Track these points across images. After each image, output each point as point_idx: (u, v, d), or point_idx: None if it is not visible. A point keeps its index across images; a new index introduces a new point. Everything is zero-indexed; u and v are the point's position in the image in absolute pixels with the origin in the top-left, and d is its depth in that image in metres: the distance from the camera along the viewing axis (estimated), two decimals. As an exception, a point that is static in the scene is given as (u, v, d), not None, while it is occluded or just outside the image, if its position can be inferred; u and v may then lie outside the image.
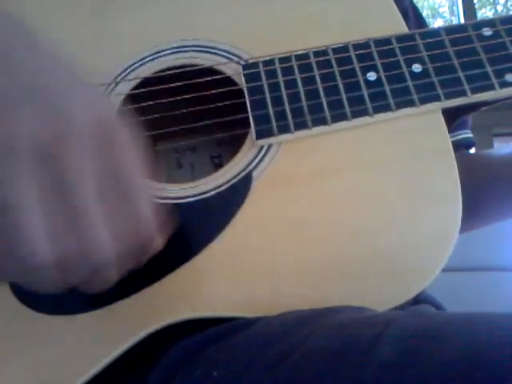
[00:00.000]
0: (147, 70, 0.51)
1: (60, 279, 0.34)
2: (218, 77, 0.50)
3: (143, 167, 0.36)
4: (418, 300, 0.60)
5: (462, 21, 2.03)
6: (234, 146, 0.49)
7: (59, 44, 0.46)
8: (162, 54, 0.52)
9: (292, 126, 0.46)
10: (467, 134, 0.68)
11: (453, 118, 0.51)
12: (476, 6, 2.09)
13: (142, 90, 0.50)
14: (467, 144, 0.68)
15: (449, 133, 0.47)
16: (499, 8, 2.61)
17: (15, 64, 0.34)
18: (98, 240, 0.33)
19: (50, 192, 0.32)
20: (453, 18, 2.40)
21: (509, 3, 2.63)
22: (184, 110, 0.50)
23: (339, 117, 0.46)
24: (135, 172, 0.35)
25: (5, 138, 0.31)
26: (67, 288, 0.35)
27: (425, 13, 2.32)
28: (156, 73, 0.51)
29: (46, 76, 0.34)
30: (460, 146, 0.67)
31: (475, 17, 2.06)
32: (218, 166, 0.57)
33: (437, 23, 2.46)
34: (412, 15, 0.69)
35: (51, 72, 0.35)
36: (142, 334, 0.40)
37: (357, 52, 0.49)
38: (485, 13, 2.52)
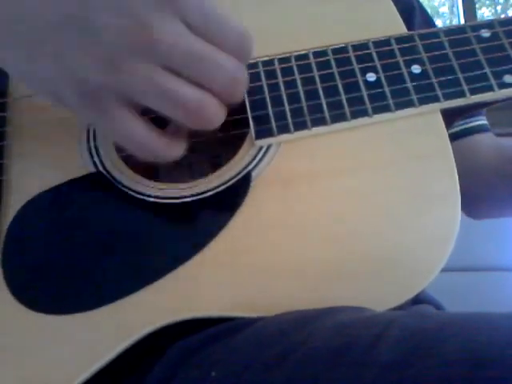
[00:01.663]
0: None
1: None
2: None
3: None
4: (417, 300, 0.60)
5: (462, 21, 2.03)
6: (232, 146, 0.49)
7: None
8: None
9: (291, 126, 0.46)
10: (482, 121, 0.69)
11: (452, 118, 0.51)
12: (476, 5, 2.09)
13: None
14: (482, 130, 0.69)
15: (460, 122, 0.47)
16: (499, 8, 2.61)
17: None
18: (233, 72, 0.39)
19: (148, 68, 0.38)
20: (453, 17, 2.40)
21: (508, 3, 2.62)
22: None
23: (339, 117, 0.46)
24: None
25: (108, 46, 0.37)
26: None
27: (425, 13, 2.32)
28: None
29: None
30: (475, 132, 0.68)
31: (475, 17, 2.06)
32: (217, 165, 0.56)
33: (437, 23, 2.46)
34: (418, 11, 0.69)
35: None
36: (141, 333, 0.40)
37: (356, 53, 0.49)
38: (484, 13, 2.52)
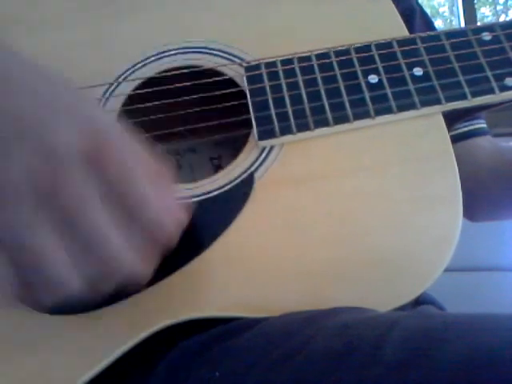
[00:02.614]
0: (149, 71, 0.51)
1: (93, 293, 0.34)
2: (220, 78, 0.50)
3: (153, 170, 0.35)
4: (419, 301, 0.60)
5: (462, 21, 2.03)
6: (233, 147, 0.49)
7: (59, 46, 0.46)
8: (163, 55, 0.52)
9: (294, 128, 0.47)
10: (481, 124, 0.69)
11: (453, 120, 0.51)
12: (476, 5, 2.08)
13: (143, 90, 0.50)
14: (481, 134, 0.69)
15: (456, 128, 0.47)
16: (499, 8, 2.61)
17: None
18: (121, 257, 0.34)
19: (62, 226, 0.32)
20: (453, 17, 2.40)
21: (509, 3, 2.62)
22: (185, 111, 0.50)
23: (341, 119, 0.47)
24: (141, 182, 0.34)
25: (2, 183, 0.31)
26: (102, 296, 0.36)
27: (425, 13, 2.32)
28: (158, 74, 0.51)
29: (23, 101, 0.33)
30: (474, 135, 0.68)
31: (475, 17, 2.05)
32: (218, 167, 0.57)
33: (437, 23, 2.46)
34: (418, 14, 0.69)
35: (27, 95, 0.33)
36: (144, 334, 0.40)
37: (358, 55, 0.49)
38: (485, 13, 2.51)
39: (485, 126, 0.71)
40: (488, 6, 2.58)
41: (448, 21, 2.46)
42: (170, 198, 0.37)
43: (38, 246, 0.31)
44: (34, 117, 0.32)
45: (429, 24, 0.71)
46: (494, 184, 0.46)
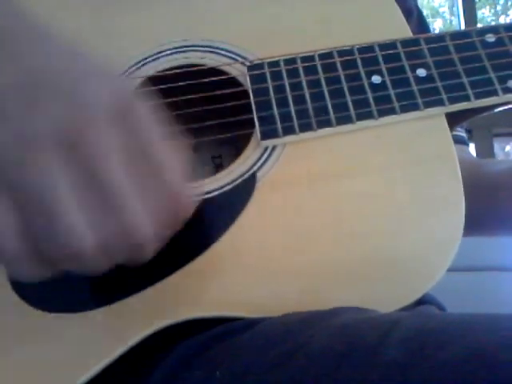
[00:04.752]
0: (151, 69, 0.51)
1: (103, 260, 0.34)
2: (223, 77, 0.50)
3: (167, 140, 0.36)
4: (420, 301, 0.60)
5: (462, 21, 2.03)
6: (235, 146, 0.49)
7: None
8: (165, 53, 0.52)
9: (297, 128, 0.47)
10: (459, 132, 0.69)
11: (455, 121, 0.51)
12: (476, 6, 2.09)
13: (144, 89, 0.50)
14: (459, 141, 0.68)
15: None
16: (499, 8, 2.61)
17: (25, 56, 0.34)
18: (136, 219, 0.34)
19: (83, 180, 0.32)
20: (452, 18, 2.40)
21: (508, 3, 2.63)
22: (187, 110, 0.49)
23: (344, 119, 0.47)
24: (161, 145, 0.35)
25: (29, 136, 0.32)
26: (110, 267, 0.36)
27: (425, 13, 2.31)
28: (159, 72, 0.51)
29: (58, 64, 0.34)
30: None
31: (475, 17, 2.06)
32: (219, 166, 0.56)
33: (437, 23, 2.46)
34: (415, 17, 0.69)
35: (63, 59, 0.35)
36: (144, 333, 0.40)
37: (362, 55, 0.49)
38: (485, 13, 2.52)
39: (463, 134, 0.70)
40: (488, 7, 2.58)
41: (448, 21, 2.46)
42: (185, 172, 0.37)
43: (57, 196, 0.32)
44: (67, 75, 0.34)
45: (424, 28, 0.71)
46: (471, 198, 0.45)
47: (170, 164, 0.35)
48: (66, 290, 0.42)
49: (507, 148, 2.20)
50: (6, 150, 0.32)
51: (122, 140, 0.33)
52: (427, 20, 0.76)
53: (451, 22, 2.41)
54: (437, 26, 2.44)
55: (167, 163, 0.35)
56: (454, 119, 0.48)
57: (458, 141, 0.67)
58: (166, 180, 0.35)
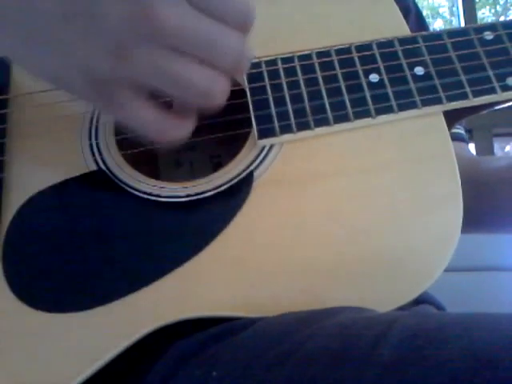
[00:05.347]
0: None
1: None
2: None
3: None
4: (419, 300, 0.60)
5: (462, 21, 2.04)
6: (233, 145, 0.48)
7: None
8: None
9: (294, 127, 0.46)
10: (458, 130, 0.69)
11: (454, 120, 0.51)
12: (476, 6, 2.09)
13: None
14: (458, 139, 0.68)
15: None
16: (499, 8, 2.61)
17: None
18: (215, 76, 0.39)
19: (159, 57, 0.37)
20: (453, 18, 2.40)
21: (508, 3, 2.63)
22: None
23: (341, 118, 0.47)
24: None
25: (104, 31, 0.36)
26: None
27: (425, 13, 2.33)
28: None
29: None
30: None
31: (475, 17, 2.06)
32: (217, 165, 0.56)
33: (437, 23, 2.47)
34: (413, 14, 0.69)
35: None
36: (141, 333, 0.40)
37: (359, 54, 0.49)
38: (485, 13, 2.52)
39: (462, 131, 0.70)
40: (488, 7, 2.58)
41: (448, 21, 2.46)
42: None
43: (175, 70, 0.37)
44: None
45: (422, 25, 0.71)
46: (470, 196, 0.45)
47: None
48: (63, 290, 0.43)
49: (507, 148, 2.20)
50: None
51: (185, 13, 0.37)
52: (427, 20, 0.76)
53: (451, 22, 2.41)
54: (437, 26, 2.45)
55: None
56: (452, 117, 0.48)
57: (456, 138, 0.67)
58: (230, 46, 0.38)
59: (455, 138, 0.68)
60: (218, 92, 0.39)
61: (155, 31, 0.36)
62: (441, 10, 2.53)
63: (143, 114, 0.39)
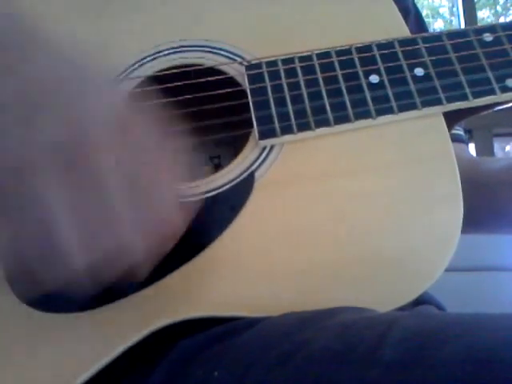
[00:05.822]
0: (149, 69, 0.51)
1: (96, 279, 0.35)
2: (221, 77, 0.50)
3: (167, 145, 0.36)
4: (419, 301, 0.60)
5: (462, 21, 2.03)
6: (233, 146, 0.49)
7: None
8: (163, 53, 0.52)
9: (295, 127, 0.47)
10: (458, 131, 0.69)
11: (453, 121, 0.51)
12: (476, 6, 2.09)
13: (143, 88, 0.50)
14: (458, 140, 0.68)
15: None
16: (499, 8, 2.61)
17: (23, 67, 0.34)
18: (130, 235, 0.34)
19: (80, 194, 0.33)
20: (453, 18, 2.40)
21: (508, 3, 2.63)
22: (185, 110, 0.49)
23: (342, 119, 0.47)
24: (157, 166, 0.36)
25: (28, 150, 0.32)
26: (102, 286, 0.36)
27: (425, 13, 2.33)
28: (158, 72, 0.51)
29: (57, 75, 0.35)
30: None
31: (475, 17, 2.06)
32: (217, 166, 0.56)
33: (437, 24, 2.46)
34: (413, 15, 0.69)
35: (62, 69, 0.35)
36: (143, 333, 0.40)
37: (360, 55, 0.49)
38: (485, 13, 2.52)
39: (461, 133, 0.70)
40: (488, 7, 2.58)
41: (448, 21, 2.46)
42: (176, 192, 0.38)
43: (55, 208, 0.32)
44: (67, 87, 0.34)
45: (422, 26, 0.71)
46: (470, 196, 0.45)
47: (160, 191, 0.36)
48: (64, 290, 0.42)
49: (507, 148, 2.20)
50: (5, 162, 0.32)
51: (120, 153, 0.34)
52: (427, 20, 0.76)
53: (451, 22, 2.41)
54: (437, 26, 2.44)
55: (158, 190, 0.36)
56: (452, 118, 0.48)
57: (456, 139, 0.67)
58: (159, 198, 0.36)
59: (455, 139, 0.68)
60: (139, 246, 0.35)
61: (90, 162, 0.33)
62: (441, 10, 2.52)
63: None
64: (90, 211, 0.33)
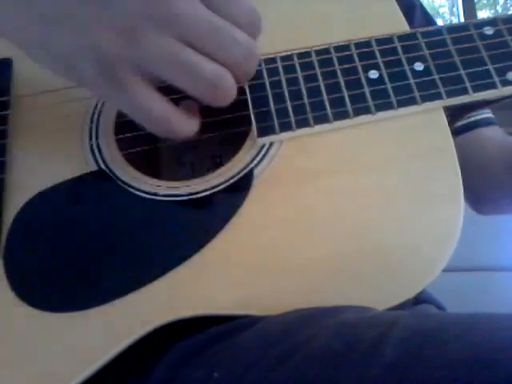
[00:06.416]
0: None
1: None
2: None
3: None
4: (419, 300, 0.60)
5: (462, 21, 2.04)
6: (235, 145, 0.48)
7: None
8: None
9: (294, 124, 0.46)
10: (487, 114, 0.69)
11: (454, 116, 0.51)
12: (476, 6, 2.09)
13: None
14: (487, 124, 0.68)
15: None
16: (499, 9, 2.62)
17: None
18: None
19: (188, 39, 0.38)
20: (453, 18, 2.41)
21: (508, 3, 2.63)
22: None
23: (341, 114, 0.46)
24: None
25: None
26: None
27: (425, 13, 2.33)
28: None
29: None
30: (480, 126, 0.67)
31: (475, 17, 2.06)
32: (219, 165, 0.56)
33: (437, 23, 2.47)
34: (418, 9, 0.69)
35: None
36: (142, 332, 0.40)
37: (358, 50, 0.49)
38: (484, 13, 2.52)
39: (491, 115, 0.70)
40: (488, 7, 2.59)
41: (448, 21, 2.47)
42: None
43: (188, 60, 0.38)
44: None
45: (429, 19, 0.71)
46: (506, 176, 0.45)
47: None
48: (64, 289, 0.43)
49: (508, 148, 2.20)
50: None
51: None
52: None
53: (451, 22, 2.41)
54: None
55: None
56: (452, 114, 0.48)
57: (489, 123, 0.68)
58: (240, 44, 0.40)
59: (487, 123, 0.68)
60: (225, 88, 0.39)
61: (169, 18, 0.37)
62: (441, 10, 2.53)
63: (153, 105, 0.39)
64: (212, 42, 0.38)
